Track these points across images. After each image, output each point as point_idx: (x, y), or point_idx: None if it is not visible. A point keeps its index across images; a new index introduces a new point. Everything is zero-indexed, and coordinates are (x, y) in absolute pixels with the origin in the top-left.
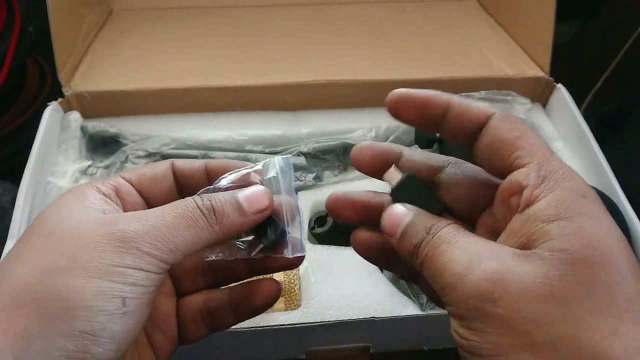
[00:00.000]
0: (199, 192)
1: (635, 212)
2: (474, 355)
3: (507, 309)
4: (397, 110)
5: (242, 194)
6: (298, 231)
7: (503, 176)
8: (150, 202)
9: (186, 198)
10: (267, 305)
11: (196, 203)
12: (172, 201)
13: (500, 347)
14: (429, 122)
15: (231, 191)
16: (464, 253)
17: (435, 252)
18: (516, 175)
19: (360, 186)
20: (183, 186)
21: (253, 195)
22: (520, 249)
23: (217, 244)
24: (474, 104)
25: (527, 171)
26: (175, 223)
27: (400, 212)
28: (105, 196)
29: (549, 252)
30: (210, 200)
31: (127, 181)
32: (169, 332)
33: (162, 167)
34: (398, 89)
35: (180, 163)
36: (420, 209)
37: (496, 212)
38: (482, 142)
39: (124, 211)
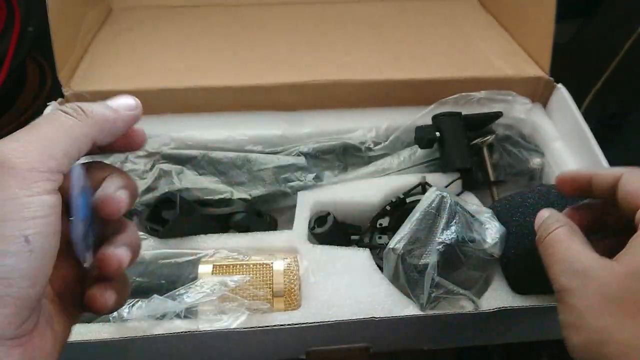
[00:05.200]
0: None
1: None
2: None
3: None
4: (562, 187)
5: (110, 100)
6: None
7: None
8: None
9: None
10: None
11: (60, 109)
12: None
13: None
14: (583, 192)
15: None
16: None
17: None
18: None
19: (360, 186)
20: None
21: (120, 99)
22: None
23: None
24: (608, 171)
25: None
26: (47, 130)
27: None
28: None
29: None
30: (77, 105)
31: None
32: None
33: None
34: (564, 173)
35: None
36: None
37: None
38: (618, 195)
39: None
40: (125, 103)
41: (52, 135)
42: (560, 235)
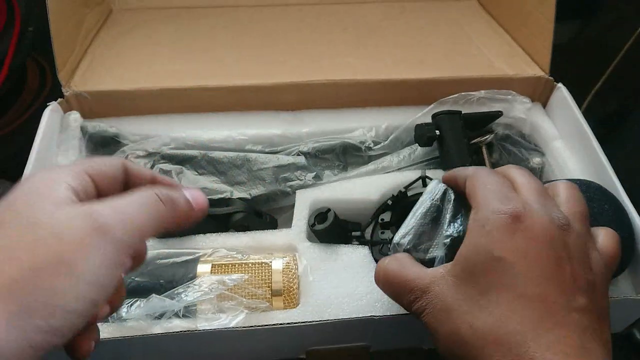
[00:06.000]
0: None
1: (638, 212)
2: None
3: None
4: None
5: (187, 192)
6: None
7: None
8: (100, 194)
9: (144, 189)
10: None
11: (157, 194)
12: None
13: None
14: (455, 188)
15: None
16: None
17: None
18: None
19: (358, 184)
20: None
21: (196, 194)
22: None
23: None
24: (461, 173)
25: None
26: (145, 214)
27: None
28: (73, 190)
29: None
30: (167, 192)
31: (89, 176)
32: None
33: (115, 165)
34: (444, 174)
35: (131, 165)
36: None
37: None
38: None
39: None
40: (203, 204)
41: (147, 220)
42: (389, 266)
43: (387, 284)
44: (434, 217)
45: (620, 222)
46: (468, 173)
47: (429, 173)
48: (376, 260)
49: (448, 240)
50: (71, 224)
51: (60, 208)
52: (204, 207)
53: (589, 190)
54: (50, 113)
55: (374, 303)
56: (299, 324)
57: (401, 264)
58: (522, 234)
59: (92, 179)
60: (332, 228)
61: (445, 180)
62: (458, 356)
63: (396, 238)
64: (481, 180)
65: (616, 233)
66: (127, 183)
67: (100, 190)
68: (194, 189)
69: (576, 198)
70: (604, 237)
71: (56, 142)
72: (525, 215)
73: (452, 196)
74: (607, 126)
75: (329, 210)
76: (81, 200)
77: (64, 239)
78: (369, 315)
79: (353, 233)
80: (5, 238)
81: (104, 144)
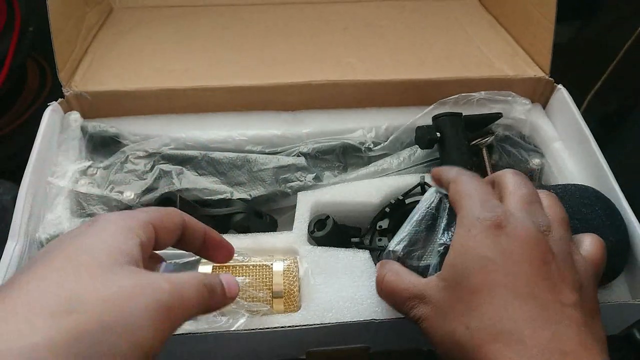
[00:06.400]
0: (166, 262)
1: (635, 214)
2: None
3: None
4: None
5: (224, 279)
6: None
7: None
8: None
9: (196, 274)
10: None
11: (204, 283)
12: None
13: None
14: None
15: (215, 274)
16: None
17: None
18: None
19: (359, 187)
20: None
21: (231, 281)
22: None
23: None
24: (447, 174)
25: None
26: (193, 296)
27: None
28: (142, 244)
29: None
30: (211, 280)
31: (154, 228)
32: None
33: (177, 222)
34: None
35: (189, 221)
36: None
37: None
38: None
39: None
40: (234, 293)
41: (196, 306)
42: (388, 277)
43: (387, 295)
44: (429, 225)
45: (614, 226)
46: (450, 177)
47: (428, 177)
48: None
49: (442, 248)
50: (141, 292)
51: (134, 273)
52: (234, 296)
53: (583, 195)
54: (51, 113)
55: (375, 307)
56: (300, 327)
57: (397, 275)
58: (506, 238)
59: (155, 232)
60: (331, 235)
61: (432, 175)
62: (457, 359)
63: (391, 245)
64: (463, 187)
65: (601, 239)
66: (182, 239)
67: (158, 242)
68: (230, 276)
69: (557, 205)
70: (589, 243)
71: (56, 142)
72: (508, 221)
73: (448, 205)
74: (606, 126)
75: (327, 217)
76: (144, 251)
77: (133, 312)
78: (370, 318)
79: (352, 239)
80: (75, 281)
81: (104, 144)
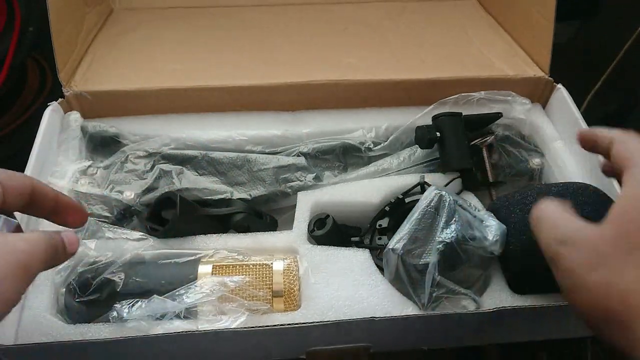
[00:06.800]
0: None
1: None
2: None
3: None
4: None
5: (65, 236)
6: None
7: None
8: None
9: (42, 235)
10: None
11: (50, 242)
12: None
13: None
14: (592, 150)
15: (57, 232)
16: None
17: None
18: None
19: (359, 186)
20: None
21: (72, 239)
22: None
23: None
24: (605, 133)
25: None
26: (43, 255)
27: None
28: None
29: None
30: (55, 240)
31: (1, 186)
32: None
33: (25, 184)
34: (581, 131)
35: (39, 186)
36: None
37: None
38: (610, 157)
39: None
40: (74, 250)
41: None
42: (546, 208)
43: (539, 220)
44: (429, 223)
45: None
46: (613, 137)
47: (428, 176)
48: (377, 265)
49: (441, 245)
50: (2, 254)
51: None
52: (74, 252)
53: (584, 194)
54: (51, 113)
55: (375, 306)
56: (300, 325)
57: (555, 207)
58: None
59: (3, 190)
60: (330, 234)
61: (581, 137)
62: (606, 306)
63: (391, 244)
64: (633, 145)
65: None
66: (32, 201)
67: (6, 202)
68: (72, 235)
69: None
70: None
71: (56, 142)
72: None
73: (447, 203)
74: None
75: (327, 216)
76: None
77: None
78: (370, 317)
79: (352, 238)
80: None
81: (104, 144)
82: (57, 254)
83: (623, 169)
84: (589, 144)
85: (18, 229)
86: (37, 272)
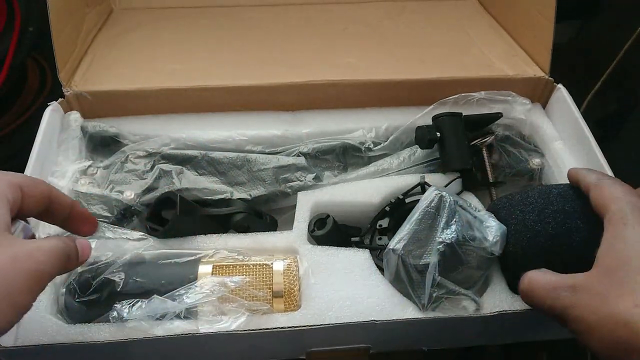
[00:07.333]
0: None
1: None
2: None
3: None
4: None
5: (79, 244)
6: None
7: None
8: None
9: (57, 243)
10: None
11: (64, 251)
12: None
13: None
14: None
15: (72, 238)
16: None
17: None
18: None
19: (359, 187)
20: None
21: (85, 246)
22: None
23: None
24: (585, 178)
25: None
26: (57, 264)
27: None
28: (9, 202)
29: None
30: (69, 249)
31: (22, 191)
32: None
33: (43, 192)
34: (570, 170)
35: (56, 194)
36: None
37: None
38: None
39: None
40: (86, 257)
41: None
42: (532, 278)
43: (528, 291)
44: (429, 224)
45: None
46: (590, 183)
47: (428, 176)
48: (377, 265)
49: (441, 246)
50: (20, 265)
51: (12, 243)
52: (86, 259)
53: (584, 195)
54: (51, 113)
55: (375, 306)
56: (300, 328)
57: (544, 273)
58: None
59: (23, 195)
60: (331, 234)
61: (570, 176)
62: (618, 338)
63: (391, 244)
64: (609, 192)
65: None
66: (49, 208)
67: (23, 208)
68: (85, 242)
69: None
70: None
71: (56, 142)
72: None
73: (447, 203)
74: (606, 126)
75: (327, 216)
76: (11, 211)
77: (14, 276)
78: (370, 320)
79: (352, 238)
80: None
81: (104, 144)
82: (69, 262)
83: (601, 214)
84: (575, 184)
85: (33, 236)
86: (50, 279)
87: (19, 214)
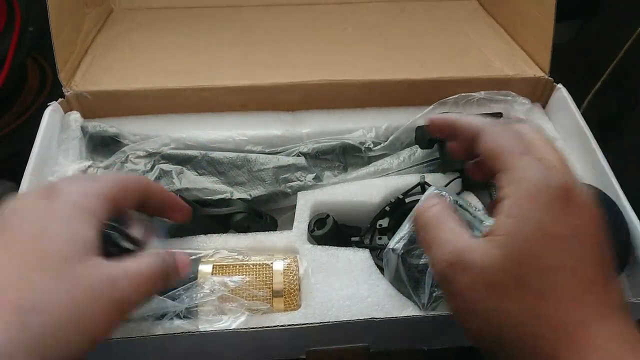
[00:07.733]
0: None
1: (635, 212)
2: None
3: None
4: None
5: (179, 260)
6: None
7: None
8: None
9: (155, 262)
10: None
11: (161, 268)
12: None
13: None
14: (448, 136)
15: (172, 252)
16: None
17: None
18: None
19: (359, 186)
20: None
21: (184, 262)
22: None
23: None
24: (469, 123)
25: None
26: (148, 287)
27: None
28: (98, 222)
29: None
30: (167, 267)
31: (114, 203)
32: None
33: (137, 190)
34: (432, 118)
35: (154, 188)
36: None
37: None
38: (479, 152)
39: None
40: (184, 272)
41: (152, 288)
42: (433, 217)
43: (425, 229)
44: None
45: (614, 225)
46: (479, 127)
47: (428, 176)
48: (377, 265)
49: None
50: (100, 294)
51: (94, 267)
52: (184, 276)
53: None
54: (51, 113)
55: (375, 306)
56: (300, 326)
57: (440, 218)
58: (574, 211)
59: (116, 204)
60: (331, 233)
61: (432, 123)
62: (501, 338)
63: (391, 244)
64: (510, 143)
65: None
66: (145, 201)
67: (117, 211)
68: (185, 258)
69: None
70: None
71: (56, 142)
72: (574, 189)
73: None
74: (606, 126)
75: (327, 216)
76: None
77: (92, 307)
78: (370, 317)
79: (352, 238)
80: (41, 276)
81: (104, 144)
82: (166, 281)
83: (496, 171)
84: (442, 132)
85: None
86: (135, 307)
87: (120, 207)
